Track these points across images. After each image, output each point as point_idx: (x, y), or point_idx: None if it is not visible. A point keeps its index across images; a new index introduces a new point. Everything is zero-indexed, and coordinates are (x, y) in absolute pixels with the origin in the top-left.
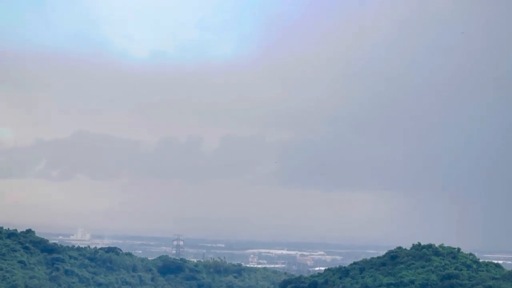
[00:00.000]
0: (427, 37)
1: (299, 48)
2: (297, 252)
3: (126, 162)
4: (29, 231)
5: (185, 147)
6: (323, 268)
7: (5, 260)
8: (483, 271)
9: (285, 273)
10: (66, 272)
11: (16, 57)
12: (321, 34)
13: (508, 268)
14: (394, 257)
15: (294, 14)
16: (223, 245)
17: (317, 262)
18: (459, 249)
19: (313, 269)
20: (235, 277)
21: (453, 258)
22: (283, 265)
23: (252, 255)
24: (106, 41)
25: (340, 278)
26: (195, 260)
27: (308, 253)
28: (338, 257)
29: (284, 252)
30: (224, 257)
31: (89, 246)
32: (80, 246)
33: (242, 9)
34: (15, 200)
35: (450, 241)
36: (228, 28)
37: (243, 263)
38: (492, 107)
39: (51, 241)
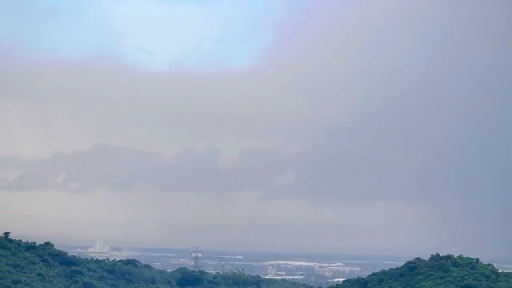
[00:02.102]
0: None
1: (318, 60)
2: (316, 263)
3: (145, 174)
4: (47, 243)
5: (204, 159)
6: (341, 280)
7: (24, 272)
8: (502, 281)
9: (304, 285)
10: (85, 284)
11: (35, 70)
12: (341, 46)
13: None
14: (412, 268)
15: (313, 26)
16: (241, 257)
17: (336, 273)
18: (477, 260)
19: (331, 280)
20: None
21: (472, 268)
22: (302, 277)
23: (270, 267)
24: (126, 55)
25: None
26: (213, 272)
27: (327, 265)
28: (356, 268)
29: (303, 263)
30: (243, 269)
31: (107, 259)
32: (99, 258)
33: (261, 21)
34: (34, 212)
35: (469, 252)
36: (247, 40)
37: (261, 275)
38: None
39: (70, 254)
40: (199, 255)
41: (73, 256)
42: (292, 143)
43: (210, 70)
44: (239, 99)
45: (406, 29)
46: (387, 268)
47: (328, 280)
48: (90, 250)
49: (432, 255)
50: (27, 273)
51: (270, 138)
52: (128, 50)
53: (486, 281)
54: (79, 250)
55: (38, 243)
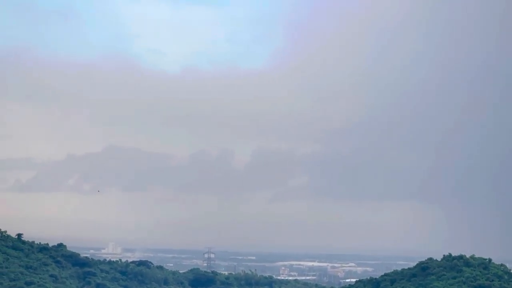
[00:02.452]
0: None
1: (330, 61)
2: (328, 264)
3: (158, 176)
4: (60, 245)
5: (216, 160)
6: (354, 280)
7: (37, 274)
8: None
9: (316, 285)
10: (98, 286)
11: (48, 72)
12: (351, 46)
13: None
14: (425, 268)
15: (326, 27)
16: (254, 258)
17: (348, 274)
18: (490, 260)
19: (344, 281)
20: None
21: (484, 269)
22: (314, 277)
23: (283, 267)
24: (138, 56)
25: None
26: (226, 273)
27: (339, 265)
28: (369, 269)
29: (315, 264)
30: (255, 270)
31: (120, 260)
32: (112, 259)
33: (272, 23)
34: (46, 214)
35: (481, 252)
36: (259, 41)
37: (274, 276)
38: None
39: (83, 255)
40: (212, 256)
41: (86, 257)
42: (304, 143)
43: (222, 71)
44: (251, 100)
45: (415, 29)
46: (399, 269)
47: (341, 281)
48: (102, 251)
49: (444, 255)
50: (40, 274)
51: (283, 139)
52: (140, 52)
53: (498, 281)
54: (91, 251)
55: (51, 245)
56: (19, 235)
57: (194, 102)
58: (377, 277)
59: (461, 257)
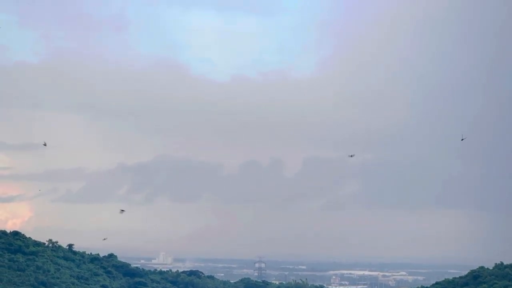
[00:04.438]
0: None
1: (379, 68)
2: (379, 272)
3: (208, 186)
4: (111, 255)
5: (267, 170)
6: None
7: (88, 284)
8: None
9: None
10: None
11: (98, 83)
12: (403, 56)
13: None
14: (476, 276)
15: (374, 35)
16: (304, 267)
17: (399, 282)
18: None
19: None
20: None
21: None
22: (365, 286)
23: (334, 276)
24: (188, 65)
25: None
26: (277, 282)
27: (390, 274)
28: (420, 277)
29: (366, 273)
30: (306, 279)
31: (171, 270)
32: (162, 269)
33: (322, 32)
34: (97, 224)
35: None
36: (308, 50)
37: (325, 285)
38: None
39: (133, 265)
40: (263, 265)
41: (137, 267)
42: (355, 152)
43: (271, 79)
44: (301, 108)
45: (469, 34)
46: (451, 277)
47: None
48: (153, 261)
49: (496, 263)
50: (91, 284)
51: (333, 147)
52: (190, 61)
53: None
54: (142, 261)
55: (101, 255)
56: (70, 245)
57: (244, 111)
58: (429, 286)
59: None
